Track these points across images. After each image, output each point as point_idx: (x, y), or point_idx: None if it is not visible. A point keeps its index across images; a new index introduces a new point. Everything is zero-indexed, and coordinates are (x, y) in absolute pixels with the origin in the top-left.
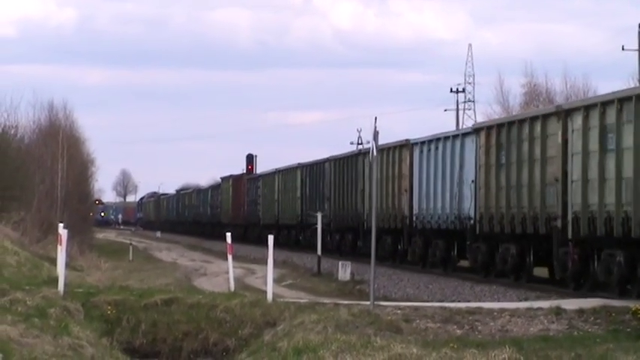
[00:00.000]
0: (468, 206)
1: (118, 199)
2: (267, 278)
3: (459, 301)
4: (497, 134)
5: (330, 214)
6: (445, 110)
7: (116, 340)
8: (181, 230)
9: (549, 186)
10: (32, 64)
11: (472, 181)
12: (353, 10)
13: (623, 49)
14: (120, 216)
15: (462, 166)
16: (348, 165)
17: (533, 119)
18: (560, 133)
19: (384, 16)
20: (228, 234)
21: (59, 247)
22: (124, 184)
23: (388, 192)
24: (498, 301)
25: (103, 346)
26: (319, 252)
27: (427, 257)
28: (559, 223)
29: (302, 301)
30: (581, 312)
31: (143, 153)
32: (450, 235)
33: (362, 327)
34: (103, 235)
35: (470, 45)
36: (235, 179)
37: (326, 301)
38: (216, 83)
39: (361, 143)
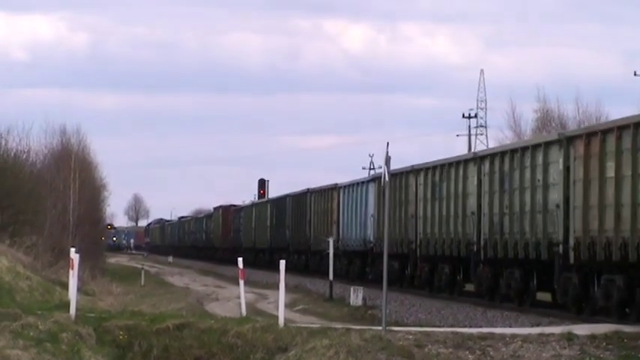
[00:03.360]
0: (370, 233)
1: (130, 224)
2: (279, 303)
3: (470, 327)
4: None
5: (289, 239)
6: (457, 135)
7: None
8: (181, 254)
9: (411, 219)
10: (44, 88)
11: (372, 215)
12: (364, 35)
13: (635, 74)
14: (132, 241)
15: (366, 205)
16: (300, 200)
17: (402, 174)
18: (414, 184)
19: (395, 41)
20: (240, 259)
21: (71, 272)
22: (136, 209)
23: (323, 222)
24: (510, 327)
25: None
26: (331, 277)
27: (349, 273)
28: (414, 245)
29: (314, 326)
30: (593, 337)
31: (155, 177)
32: (362, 255)
33: (374, 352)
34: (115, 259)
35: (482, 70)
36: (224, 209)
37: (338, 326)
38: (228, 107)
39: (373, 168)
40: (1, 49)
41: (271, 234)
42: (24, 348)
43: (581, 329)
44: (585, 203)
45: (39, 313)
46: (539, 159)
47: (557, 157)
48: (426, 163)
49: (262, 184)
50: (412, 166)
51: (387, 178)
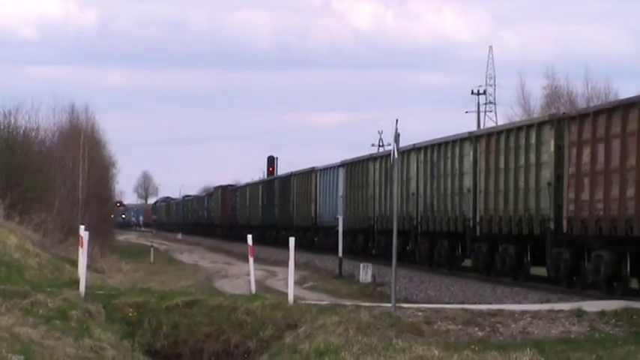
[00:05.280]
0: (341, 211)
1: (139, 201)
2: (289, 280)
3: (480, 303)
4: (352, 169)
5: (277, 217)
6: (466, 112)
7: (137, 342)
8: (186, 231)
9: (370, 200)
10: (53, 65)
11: (341, 196)
12: (372, 12)
13: None
14: (141, 218)
15: (337, 187)
16: (286, 182)
17: (363, 161)
18: (372, 170)
19: (403, 17)
20: (249, 236)
21: (80, 249)
22: (145, 186)
23: (304, 202)
24: (520, 303)
25: (125, 348)
26: (340, 254)
27: (324, 244)
28: (372, 221)
29: (323, 303)
30: (602, 314)
31: (165, 155)
32: (334, 229)
33: (383, 329)
34: (125, 237)
35: (491, 47)
36: (223, 189)
37: (347, 303)
38: (237, 85)
39: (382, 145)
40: (9, 27)
41: (262, 212)
42: (33, 325)
43: (591, 306)
44: (486, 188)
45: (48, 291)
46: (457, 152)
47: (469, 151)
48: (381, 152)
49: (271, 161)
50: (371, 154)
51: (396, 155)
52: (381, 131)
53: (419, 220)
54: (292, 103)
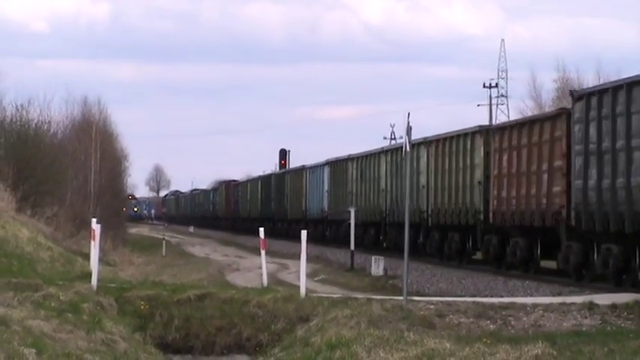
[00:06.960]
0: (325, 204)
1: (151, 194)
2: (301, 273)
3: (491, 296)
4: (335, 167)
5: (274, 210)
6: (478, 105)
7: (149, 336)
8: (194, 224)
9: (348, 195)
10: (65, 59)
11: (326, 191)
12: (383, 5)
13: None
14: (153, 211)
15: (323, 183)
16: (281, 179)
17: (343, 161)
18: (350, 169)
19: (414, 11)
20: (261, 229)
21: (92, 242)
22: (157, 179)
23: (296, 197)
24: (531, 296)
25: (136, 341)
26: (352, 247)
27: (313, 236)
28: (348, 215)
29: (335, 296)
30: (614, 307)
31: (176, 148)
32: (321, 221)
33: (395, 322)
34: (136, 230)
35: (502, 40)
36: (226, 184)
37: (359, 296)
38: (248, 78)
39: (394, 138)
40: (21, 21)
41: (261, 206)
42: (45, 318)
43: (603, 299)
44: (435, 185)
45: (60, 284)
46: (415, 154)
47: (423, 153)
48: (358, 153)
49: (283, 154)
50: (349, 155)
51: (408, 148)
52: (393, 124)
53: (387, 212)
54: (304, 96)
